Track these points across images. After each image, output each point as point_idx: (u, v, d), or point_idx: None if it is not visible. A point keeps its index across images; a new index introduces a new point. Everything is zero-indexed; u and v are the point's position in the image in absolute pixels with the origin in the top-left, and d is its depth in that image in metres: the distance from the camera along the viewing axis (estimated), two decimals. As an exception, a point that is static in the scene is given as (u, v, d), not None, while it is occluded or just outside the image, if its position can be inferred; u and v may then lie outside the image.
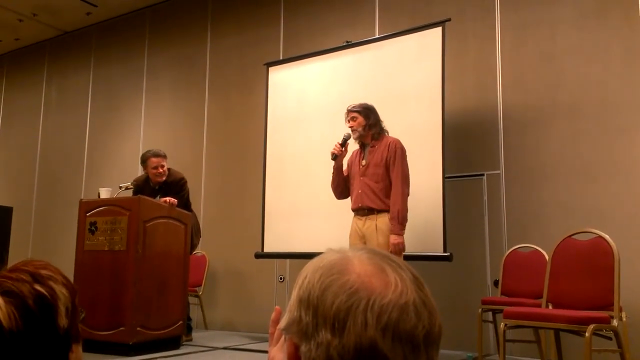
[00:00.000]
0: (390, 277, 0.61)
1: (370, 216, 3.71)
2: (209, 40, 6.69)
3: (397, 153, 3.72)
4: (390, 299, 0.59)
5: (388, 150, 3.74)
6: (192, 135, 6.60)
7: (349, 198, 3.96)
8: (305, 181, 4.96)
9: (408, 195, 3.73)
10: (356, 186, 3.82)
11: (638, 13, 4.22)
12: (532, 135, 4.51)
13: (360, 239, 3.74)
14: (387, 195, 3.70)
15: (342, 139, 3.86)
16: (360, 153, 3.90)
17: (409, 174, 3.76)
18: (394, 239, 3.61)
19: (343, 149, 3.86)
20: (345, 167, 3.99)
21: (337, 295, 0.59)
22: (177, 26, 7.00)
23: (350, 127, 3.84)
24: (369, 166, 3.78)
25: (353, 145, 3.97)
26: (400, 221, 3.62)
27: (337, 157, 3.87)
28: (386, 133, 3.89)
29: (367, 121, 3.81)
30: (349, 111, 3.87)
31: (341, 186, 3.97)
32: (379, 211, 3.69)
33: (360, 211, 3.77)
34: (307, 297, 0.61)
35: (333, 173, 3.97)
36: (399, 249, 3.61)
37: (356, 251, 0.64)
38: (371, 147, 3.83)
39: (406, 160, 3.77)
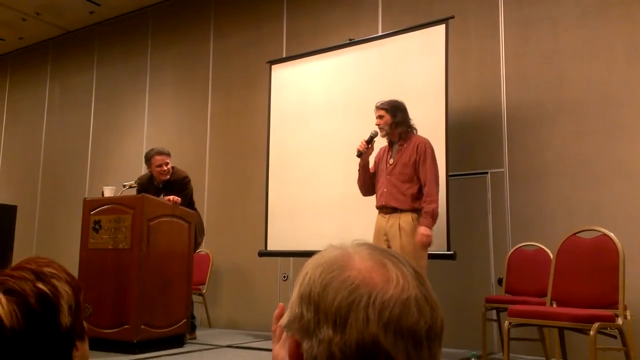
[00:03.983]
0: (392, 273, 0.60)
1: (394, 215, 3.69)
2: (212, 39, 6.69)
3: (427, 152, 3.71)
4: (391, 295, 0.58)
5: (417, 151, 3.72)
6: (195, 134, 6.60)
7: (370, 196, 3.96)
8: (308, 179, 4.96)
9: (438, 192, 3.73)
10: (382, 184, 3.80)
11: (642, 10, 4.20)
12: (536, 133, 4.50)
13: (383, 236, 3.72)
14: (413, 196, 3.68)
15: (368, 136, 3.81)
16: (388, 151, 3.87)
17: (439, 174, 3.76)
18: (424, 230, 3.55)
19: (369, 146, 3.81)
20: (372, 163, 3.96)
21: (339, 292, 0.59)
22: (180, 25, 7.00)
23: (377, 124, 3.81)
24: (396, 165, 3.76)
25: (381, 142, 3.93)
26: (433, 217, 3.60)
27: (362, 154, 3.82)
28: (415, 131, 3.86)
29: (393, 119, 3.78)
30: (377, 108, 3.84)
31: (367, 183, 3.94)
32: (403, 210, 3.67)
33: (384, 209, 3.76)
34: (308, 294, 0.61)
35: (359, 170, 3.93)
36: (427, 241, 3.57)
37: (357, 247, 0.64)
38: (399, 145, 3.81)
39: (436, 160, 3.76)
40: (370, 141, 3.81)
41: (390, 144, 3.88)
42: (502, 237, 4.52)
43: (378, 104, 3.85)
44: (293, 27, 6.07)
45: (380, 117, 3.81)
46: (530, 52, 4.61)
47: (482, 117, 4.74)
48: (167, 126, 6.91)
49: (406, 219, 3.65)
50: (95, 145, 7.61)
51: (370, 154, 3.88)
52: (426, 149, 3.72)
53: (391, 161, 3.81)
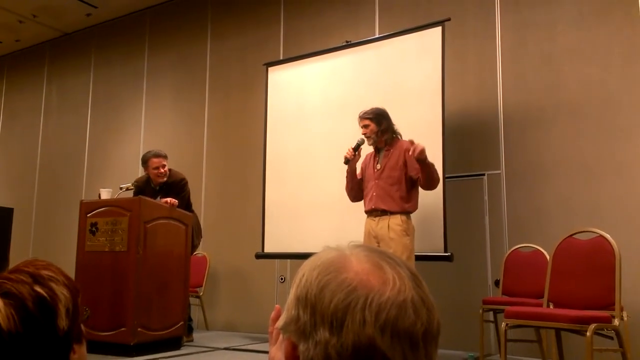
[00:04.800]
0: (388, 275, 0.60)
1: (384, 217, 3.76)
2: (209, 41, 6.69)
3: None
4: (388, 297, 0.58)
5: (405, 155, 3.79)
6: (192, 136, 6.60)
7: (362, 201, 4.01)
8: (305, 181, 4.96)
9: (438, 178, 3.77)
10: (370, 189, 3.87)
11: (638, 13, 4.22)
12: (533, 135, 4.51)
13: (373, 239, 3.77)
14: (402, 198, 3.76)
15: (355, 144, 3.89)
16: (375, 157, 3.95)
17: None
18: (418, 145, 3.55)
19: (356, 153, 3.90)
20: (358, 170, 4.03)
21: (335, 294, 0.59)
22: (178, 27, 7.00)
23: (363, 133, 3.89)
24: (384, 169, 3.84)
25: (367, 149, 4.00)
26: (431, 165, 3.61)
27: (349, 162, 3.91)
28: (399, 137, 3.93)
29: (379, 127, 3.85)
30: (361, 118, 3.90)
31: (355, 189, 4.03)
32: (392, 213, 3.74)
33: (374, 212, 3.82)
34: (304, 296, 0.61)
35: (347, 177, 4.02)
36: (422, 148, 3.54)
37: (354, 249, 0.64)
38: (386, 150, 3.89)
39: None
40: (357, 149, 3.90)
41: (377, 150, 3.95)
42: (499, 239, 4.53)
43: (362, 114, 3.91)
44: (290, 29, 6.08)
45: (365, 126, 3.88)
46: (527, 54, 4.62)
47: (479, 119, 4.75)
48: (165, 128, 6.90)
49: (396, 220, 3.72)
50: (92, 148, 7.60)
51: (357, 161, 3.97)
52: None
53: (378, 166, 3.88)
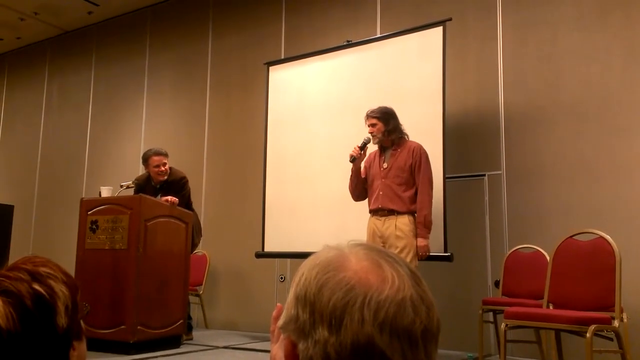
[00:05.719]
0: (387, 273, 0.60)
1: (390, 217, 3.75)
2: (210, 40, 6.69)
3: (422, 159, 3.80)
4: (387, 295, 0.58)
5: (412, 156, 3.79)
6: (193, 135, 6.60)
7: (363, 200, 4.00)
8: (306, 180, 4.95)
9: (432, 198, 3.83)
10: (376, 188, 3.85)
11: (638, 13, 4.21)
12: (534, 135, 4.51)
13: (379, 239, 3.76)
14: (409, 199, 3.76)
15: (361, 142, 3.87)
16: (381, 156, 3.92)
17: (432, 178, 3.85)
18: (420, 242, 3.70)
19: (362, 152, 3.88)
20: (361, 169, 4.02)
21: (334, 292, 0.58)
22: (179, 26, 7.00)
23: (370, 132, 3.87)
24: (391, 169, 3.82)
25: (370, 147, 3.98)
26: (426, 225, 3.73)
27: (355, 160, 3.89)
28: (406, 137, 3.92)
29: (386, 127, 3.84)
30: (369, 116, 3.88)
31: (359, 189, 4.01)
32: (399, 213, 3.73)
33: (380, 212, 3.80)
34: (303, 295, 0.61)
35: (351, 175, 4.00)
36: (425, 251, 3.72)
37: (353, 247, 0.64)
38: (393, 150, 3.87)
39: (430, 165, 3.84)
40: (363, 147, 3.88)
41: (382, 149, 3.93)
42: (499, 239, 4.52)
43: (369, 112, 3.89)
44: (291, 29, 6.08)
45: (372, 125, 3.86)
46: (528, 54, 4.62)
47: (480, 119, 4.75)
48: (165, 127, 6.90)
49: (403, 220, 3.72)
50: (92, 146, 7.60)
51: (363, 159, 3.95)
52: (421, 154, 3.82)
53: (385, 165, 3.86)
